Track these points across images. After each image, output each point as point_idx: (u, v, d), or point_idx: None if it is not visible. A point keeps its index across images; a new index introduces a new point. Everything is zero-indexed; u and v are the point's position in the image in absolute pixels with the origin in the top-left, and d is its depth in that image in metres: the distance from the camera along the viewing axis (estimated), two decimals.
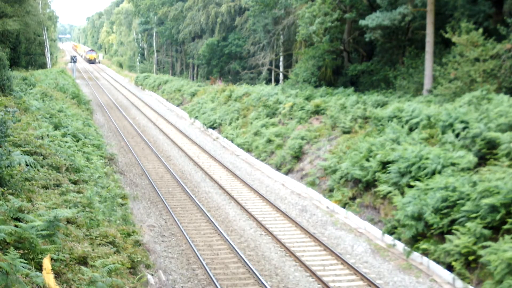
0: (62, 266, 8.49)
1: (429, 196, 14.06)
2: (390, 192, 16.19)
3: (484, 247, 11.87)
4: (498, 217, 12.12)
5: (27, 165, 12.99)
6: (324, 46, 33.53)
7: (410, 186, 15.54)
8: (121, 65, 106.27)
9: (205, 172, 24.09)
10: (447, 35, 21.81)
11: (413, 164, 15.80)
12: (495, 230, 12.29)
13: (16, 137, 14.87)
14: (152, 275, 12.47)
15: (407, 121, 19.21)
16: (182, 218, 17.73)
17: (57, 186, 13.22)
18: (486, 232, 12.21)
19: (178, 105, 46.72)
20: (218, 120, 34.44)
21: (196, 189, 21.52)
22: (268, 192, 21.26)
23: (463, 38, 21.17)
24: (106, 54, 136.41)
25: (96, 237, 10.99)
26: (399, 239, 14.99)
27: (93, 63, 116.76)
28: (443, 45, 26.40)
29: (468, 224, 12.52)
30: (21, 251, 7.59)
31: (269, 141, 26.29)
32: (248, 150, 27.92)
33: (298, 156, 23.57)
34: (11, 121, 13.84)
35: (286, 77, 45.97)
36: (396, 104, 21.43)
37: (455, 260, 12.64)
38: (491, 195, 12.57)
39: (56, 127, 21.13)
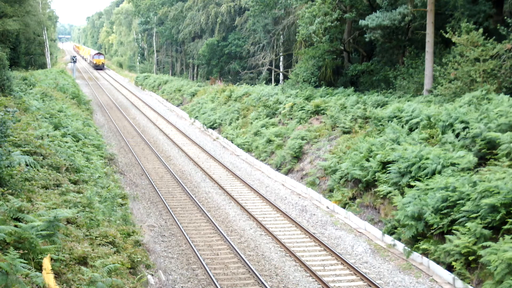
0: (62, 266, 8.48)
1: (429, 196, 14.06)
2: (390, 192, 16.19)
3: (484, 247, 11.86)
4: (498, 217, 12.11)
5: (27, 165, 12.99)
6: (324, 46, 33.52)
7: (410, 186, 15.54)
8: (121, 65, 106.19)
9: (205, 172, 24.09)
10: (447, 35, 21.80)
11: (413, 164, 15.80)
12: (495, 230, 12.29)
13: (16, 137, 14.87)
14: (152, 275, 12.47)
15: (407, 121, 19.21)
16: (182, 218, 17.73)
17: (57, 186, 13.22)
18: (486, 232, 12.20)
19: (178, 105, 46.73)
20: (218, 120, 34.45)
21: (196, 189, 21.52)
22: (268, 192, 21.25)
23: (463, 38, 21.16)
24: (106, 54, 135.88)
25: (96, 237, 11.00)
26: (399, 239, 14.99)
27: (100, 69, 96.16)
28: (443, 45, 26.38)
29: (468, 224, 12.51)
30: (21, 251, 7.58)
31: (269, 141, 26.29)
32: (248, 150, 27.92)
33: (298, 156, 23.57)
34: (11, 121, 13.83)
35: (286, 77, 45.96)
36: (396, 104, 21.43)
37: (455, 260, 12.63)
38: (491, 195, 12.56)
39: (56, 127, 21.13)
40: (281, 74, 49.03)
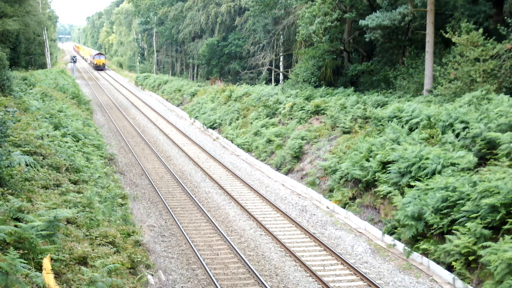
0: (62, 266, 8.48)
1: (429, 196, 14.06)
2: (390, 192, 16.19)
3: (484, 247, 11.86)
4: (498, 217, 12.11)
5: (27, 165, 12.99)
6: (324, 46, 33.52)
7: (410, 186, 15.54)
8: (121, 65, 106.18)
9: (205, 172, 24.09)
10: (447, 35, 21.80)
11: (413, 164, 15.80)
12: (495, 230, 12.29)
13: (16, 137, 14.86)
14: (152, 275, 12.47)
15: (407, 121, 19.21)
16: (182, 218, 17.73)
17: (57, 186, 13.22)
18: (486, 232, 12.20)
19: (178, 105, 46.73)
20: (218, 120, 34.45)
21: (196, 189, 21.52)
22: (268, 192, 21.25)
23: (463, 38, 21.16)
24: (106, 54, 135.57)
25: (96, 237, 11.00)
26: (399, 239, 14.99)
27: (101, 69, 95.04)
28: (443, 45, 26.39)
29: (468, 224, 12.51)
30: (21, 251, 7.58)
31: (269, 141, 26.29)
32: (248, 150, 27.92)
33: (298, 156, 23.57)
34: (11, 121, 13.83)
35: (286, 77, 45.96)
36: (396, 104, 21.43)
37: (455, 260, 12.63)
38: (491, 195, 12.56)
39: (56, 127, 21.13)
40: (281, 74, 49.03)
